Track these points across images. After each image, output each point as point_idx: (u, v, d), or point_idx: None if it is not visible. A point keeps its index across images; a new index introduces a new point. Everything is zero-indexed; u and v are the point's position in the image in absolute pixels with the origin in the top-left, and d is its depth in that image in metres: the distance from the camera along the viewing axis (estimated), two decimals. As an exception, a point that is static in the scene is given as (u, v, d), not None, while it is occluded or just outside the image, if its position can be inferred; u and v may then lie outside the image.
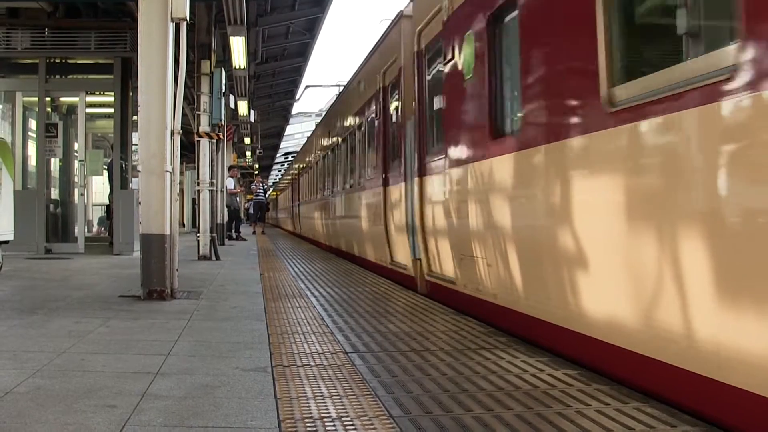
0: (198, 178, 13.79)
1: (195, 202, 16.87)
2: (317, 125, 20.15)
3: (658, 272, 3.30)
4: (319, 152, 18.81)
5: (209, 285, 8.40)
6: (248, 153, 35.67)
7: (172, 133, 7.03)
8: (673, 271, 3.20)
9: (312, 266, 11.53)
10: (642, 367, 3.51)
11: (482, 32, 5.60)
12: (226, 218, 19.14)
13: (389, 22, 9.64)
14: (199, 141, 13.39)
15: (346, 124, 13.72)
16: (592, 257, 3.92)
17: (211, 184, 14.14)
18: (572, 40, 4.14)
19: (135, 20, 7.70)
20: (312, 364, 4.14)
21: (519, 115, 5.02)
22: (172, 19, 6.94)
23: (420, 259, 7.83)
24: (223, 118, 14.12)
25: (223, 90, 13.95)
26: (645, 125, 3.38)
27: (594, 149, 3.91)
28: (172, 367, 4.03)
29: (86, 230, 14.53)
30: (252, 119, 24.72)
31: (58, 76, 13.89)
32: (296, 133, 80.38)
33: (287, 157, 57.80)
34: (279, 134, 44.50)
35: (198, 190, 13.79)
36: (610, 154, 3.72)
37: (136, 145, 10.05)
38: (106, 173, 15.58)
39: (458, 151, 6.30)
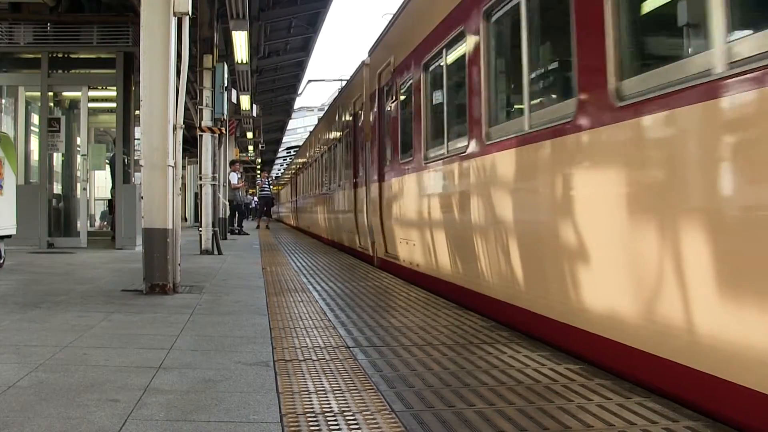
0: (200, 173, 13.79)
1: (197, 197, 16.86)
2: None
3: None
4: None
5: (211, 279, 8.41)
6: (250, 147, 35.67)
7: (175, 128, 7.03)
8: None
9: (314, 260, 11.53)
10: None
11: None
12: (228, 213, 19.18)
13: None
14: (201, 135, 13.39)
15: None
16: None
17: (214, 178, 14.15)
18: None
19: (137, 15, 7.68)
20: (314, 358, 4.15)
21: None
22: (175, 14, 6.93)
23: None
24: (225, 112, 14.13)
25: (226, 84, 13.95)
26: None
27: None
28: (175, 361, 4.04)
29: (89, 225, 14.54)
30: (254, 114, 24.72)
31: (60, 71, 13.91)
32: (299, 128, 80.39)
33: (290, 152, 57.83)
34: (281, 129, 44.52)
35: (200, 185, 13.80)
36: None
37: (139, 139, 10.08)
38: (108, 168, 15.58)
39: None
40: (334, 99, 17.97)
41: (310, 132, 25.92)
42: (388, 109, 9.84)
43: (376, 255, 10.82)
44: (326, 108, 22.60)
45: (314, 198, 20.87)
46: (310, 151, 22.85)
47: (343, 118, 14.48)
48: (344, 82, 17.89)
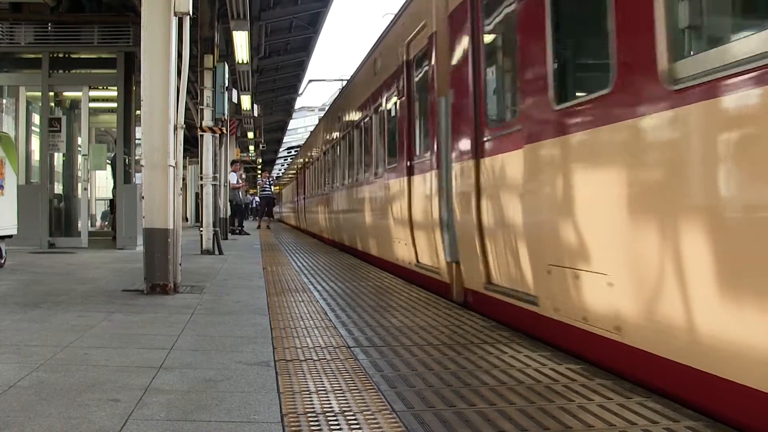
0: (201, 173, 13.80)
1: (198, 197, 16.88)
2: None
3: None
4: None
5: (212, 279, 8.41)
6: (251, 147, 35.70)
7: (175, 128, 7.03)
8: None
9: (315, 260, 11.53)
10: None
11: None
12: (229, 213, 19.19)
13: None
14: (202, 135, 13.40)
15: None
16: None
17: (215, 178, 14.15)
18: None
19: (138, 15, 7.68)
20: (315, 358, 4.15)
21: None
22: (175, 14, 6.94)
23: None
24: (226, 112, 14.13)
25: (226, 84, 13.96)
26: None
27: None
28: (175, 361, 4.03)
29: (89, 224, 14.54)
30: (255, 114, 24.73)
31: (61, 71, 13.90)
32: (299, 128, 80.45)
33: (290, 152, 57.87)
34: (282, 128, 44.57)
35: (201, 185, 13.81)
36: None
37: (140, 139, 10.09)
38: (109, 168, 15.59)
39: None
40: (366, 56, 12.42)
41: (324, 113, 21.70)
42: (499, 26, 5.75)
43: (460, 283, 6.65)
44: (350, 77, 15.79)
45: (329, 195, 17.01)
46: (324, 137, 18.49)
47: (385, 77, 10.07)
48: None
